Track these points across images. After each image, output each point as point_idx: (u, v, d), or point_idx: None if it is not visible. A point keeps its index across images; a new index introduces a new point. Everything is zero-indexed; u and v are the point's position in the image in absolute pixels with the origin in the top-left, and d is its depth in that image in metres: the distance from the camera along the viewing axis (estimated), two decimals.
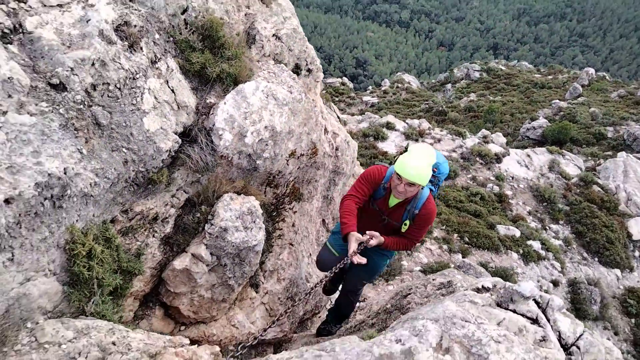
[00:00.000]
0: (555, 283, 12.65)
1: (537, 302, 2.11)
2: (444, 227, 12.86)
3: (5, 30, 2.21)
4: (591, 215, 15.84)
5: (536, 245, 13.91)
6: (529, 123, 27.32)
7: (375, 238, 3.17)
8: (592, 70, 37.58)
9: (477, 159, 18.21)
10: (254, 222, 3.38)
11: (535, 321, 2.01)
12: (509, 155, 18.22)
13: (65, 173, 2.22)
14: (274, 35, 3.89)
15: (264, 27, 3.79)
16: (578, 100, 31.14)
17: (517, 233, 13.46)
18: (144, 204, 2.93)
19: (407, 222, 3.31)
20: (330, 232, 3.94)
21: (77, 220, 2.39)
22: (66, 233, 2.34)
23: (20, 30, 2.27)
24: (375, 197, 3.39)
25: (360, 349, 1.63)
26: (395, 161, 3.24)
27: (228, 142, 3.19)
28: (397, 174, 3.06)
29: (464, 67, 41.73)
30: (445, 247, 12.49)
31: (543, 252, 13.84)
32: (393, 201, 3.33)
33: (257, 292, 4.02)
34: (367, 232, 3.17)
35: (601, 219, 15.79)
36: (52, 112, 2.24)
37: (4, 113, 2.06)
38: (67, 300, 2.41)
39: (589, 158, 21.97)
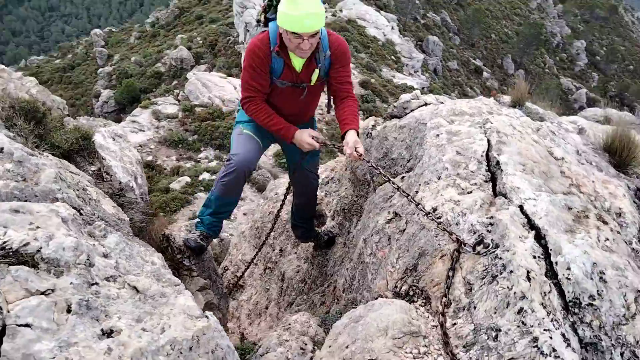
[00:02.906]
0: None
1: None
2: None
3: None
4: None
5: None
6: (97, 101, 27.66)
7: (358, 147, 2.67)
8: (98, 31, 39.45)
9: None
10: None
11: None
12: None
13: None
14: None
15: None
16: (115, 64, 32.54)
17: None
18: None
19: (317, 70, 2.80)
20: (236, 123, 3.20)
21: None
22: None
23: None
24: (277, 74, 2.78)
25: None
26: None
27: (137, 191, 3.14)
28: (294, 33, 2.51)
29: None
30: None
31: None
32: (298, 63, 2.77)
33: None
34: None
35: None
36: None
37: None
38: None
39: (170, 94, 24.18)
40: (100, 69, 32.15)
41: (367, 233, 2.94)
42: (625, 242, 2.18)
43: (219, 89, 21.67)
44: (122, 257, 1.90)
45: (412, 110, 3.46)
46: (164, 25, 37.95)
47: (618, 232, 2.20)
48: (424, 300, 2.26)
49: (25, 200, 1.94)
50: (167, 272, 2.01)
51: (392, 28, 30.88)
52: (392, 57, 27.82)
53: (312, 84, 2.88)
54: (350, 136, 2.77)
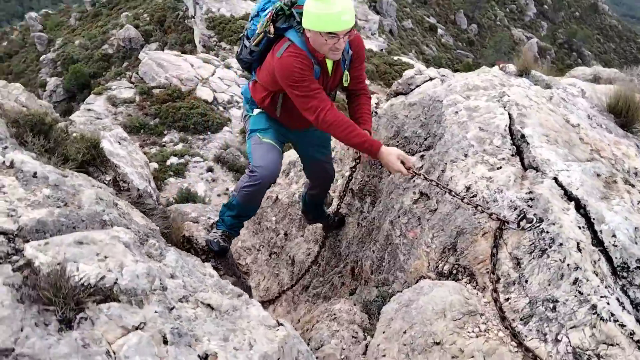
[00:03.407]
0: None
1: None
2: None
3: None
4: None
5: None
6: (44, 91, 26.25)
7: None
8: (33, 14, 37.12)
9: None
10: None
11: None
12: None
13: None
14: None
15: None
16: (59, 49, 30.76)
17: None
18: None
19: (346, 72, 2.73)
20: (250, 131, 2.99)
21: None
22: None
23: None
24: None
25: None
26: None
27: (154, 196, 3.07)
28: (330, 33, 2.38)
29: None
30: None
31: None
32: (329, 66, 2.66)
33: None
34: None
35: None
36: None
37: None
38: None
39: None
40: (43, 56, 30.39)
41: (393, 214, 2.99)
42: None
43: (175, 68, 20.91)
44: (184, 274, 1.88)
45: (417, 86, 3.48)
46: (106, 3, 35.98)
47: None
48: (468, 278, 2.35)
49: (74, 227, 1.87)
50: (226, 282, 2.00)
51: None
52: None
53: (345, 85, 2.78)
54: None
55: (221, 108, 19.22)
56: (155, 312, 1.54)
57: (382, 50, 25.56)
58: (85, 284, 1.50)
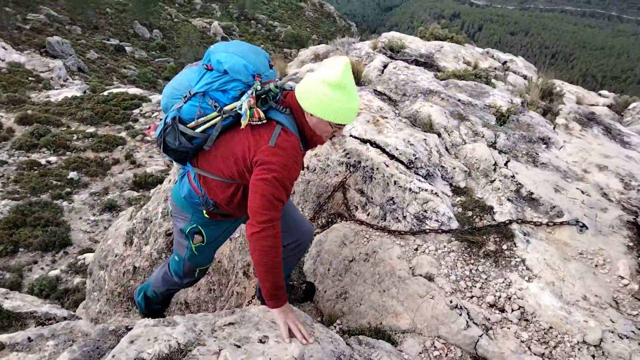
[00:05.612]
0: None
1: None
2: None
3: None
4: None
5: None
6: None
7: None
8: None
9: None
10: None
11: None
12: None
13: None
14: None
15: None
16: None
17: None
18: None
19: None
20: (187, 254, 2.76)
21: None
22: None
23: None
24: None
25: None
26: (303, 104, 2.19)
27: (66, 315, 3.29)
28: (339, 125, 2.24)
29: None
30: None
31: None
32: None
33: None
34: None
35: None
36: None
37: None
38: None
39: None
40: None
41: None
42: (400, 120, 3.86)
43: None
44: (195, 322, 2.50)
45: None
46: None
47: (392, 119, 3.85)
48: (340, 218, 3.52)
49: (97, 348, 2.29)
50: (220, 311, 2.68)
51: (4, 48, 27.16)
52: (30, 78, 24.89)
53: None
54: None
55: None
56: (214, 340, 2.22)
57: (85, 92, 24.07)
58: (163, 355, 2.08)
